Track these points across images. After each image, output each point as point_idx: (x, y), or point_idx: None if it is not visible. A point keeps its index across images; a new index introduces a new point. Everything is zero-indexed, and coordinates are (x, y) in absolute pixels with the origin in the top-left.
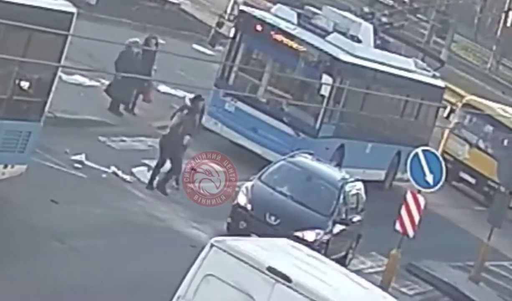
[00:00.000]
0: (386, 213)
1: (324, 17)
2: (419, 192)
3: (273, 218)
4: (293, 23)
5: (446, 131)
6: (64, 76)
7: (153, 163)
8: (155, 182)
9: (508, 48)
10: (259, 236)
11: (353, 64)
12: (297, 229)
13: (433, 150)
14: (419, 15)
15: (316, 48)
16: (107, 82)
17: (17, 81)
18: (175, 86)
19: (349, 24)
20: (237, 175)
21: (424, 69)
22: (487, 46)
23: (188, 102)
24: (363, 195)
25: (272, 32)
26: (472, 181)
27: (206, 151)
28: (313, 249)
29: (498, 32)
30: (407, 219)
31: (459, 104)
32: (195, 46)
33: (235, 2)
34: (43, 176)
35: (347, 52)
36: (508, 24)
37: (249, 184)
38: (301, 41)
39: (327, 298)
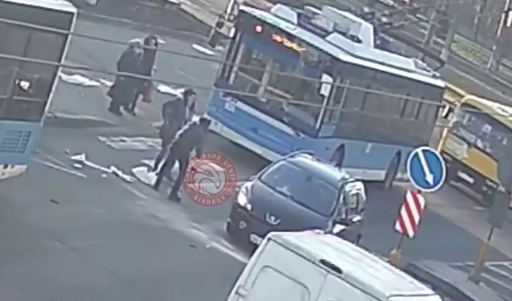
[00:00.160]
0: (386, 213)
1: (324, 17)
2: (419, 192)
3: (273, 218)
4: (293, 23)
5: (445, 131)
6: (64, 76)
7: (152, 163)
8: (168, 191)
9: (508, 48)
10: (259, 236)
11: (353, 64)
12: (297, 229)
13: (433, 150)
14: (419, 15)
15: (316, 48)
16: (107, 82)
17: (17, 81)
18: (175, 86)
19: (349, 24)
20: (237, 175)
21: (424, 69)
22: (487, 46)
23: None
24: (363, 195)
25: (272, 32)
26: (471, 180)
27: (206, 150)
28: None
29: (498, 32)
30: (407, 219)
31: (458, 104)
32: (195, 46)
33: (235, 2)
34: (43, 176)
35: (347, 52)
36: (508, 24)
37: (249, 184)
38: (301, 41)
39: (374, 287)
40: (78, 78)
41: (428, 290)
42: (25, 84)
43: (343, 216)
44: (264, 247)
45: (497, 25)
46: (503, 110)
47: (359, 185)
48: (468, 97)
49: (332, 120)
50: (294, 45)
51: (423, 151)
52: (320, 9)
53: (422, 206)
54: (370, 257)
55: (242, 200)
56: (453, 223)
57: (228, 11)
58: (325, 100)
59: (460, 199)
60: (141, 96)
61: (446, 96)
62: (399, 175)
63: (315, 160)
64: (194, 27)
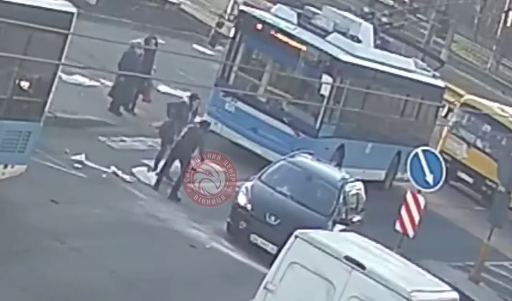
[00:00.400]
0: (386, 213)
1: (324, 17)
2: (419, 192)
3: (273, 218)
4: (293, 23)
5: (445, 131)
6: (64, 76)
7: (152, 163)
8: (168, 191)
9: (508, 48)
10: (259, 236)
11: (353, 64)
12: (297, 229)
13: (433, 150)
14: (419, 15)
15: (316, 48)
16: (107, 82)
17: (17, 81)
18: (175, 86)
19: (349, 24)
20: (237, 175)
21: (424, 69)
22: (487, 46)
23: (186, 100)
24: (363, 195)
25: (272, 32)
26: (470, 180)
27: (206, 150)
28: None
29: (498, 32)
30: (407, 219)
31: (457, 104)
32: (195, 46)
33: (235, 2)
34: (43, 176)
35: (347, 52)
36: (508, 24)
37: (249, 184)
38: (301, 41)
39: (396, 283)
40: (78, 78)
41: (446, 286)
42: (25, 84)
43: (343, 216)
44: (292, 244)
45: (497, 25)
46: (502, 110)
47: (359, 185)
48: (468, 97)
49: (332, 120)
50: (294, 45)
51: (423, 151)
52: (320, 9)
53: (422, 206)
54: (391, 254)
55: (242, 200)
56: (453, 223)
57: (228, 11)
58: (325, 100)
59: (459, 199)
60: (141, 96)
61: (446, 96)
62: (399, 175)
63: (315, 160)
64: (194, 27)
